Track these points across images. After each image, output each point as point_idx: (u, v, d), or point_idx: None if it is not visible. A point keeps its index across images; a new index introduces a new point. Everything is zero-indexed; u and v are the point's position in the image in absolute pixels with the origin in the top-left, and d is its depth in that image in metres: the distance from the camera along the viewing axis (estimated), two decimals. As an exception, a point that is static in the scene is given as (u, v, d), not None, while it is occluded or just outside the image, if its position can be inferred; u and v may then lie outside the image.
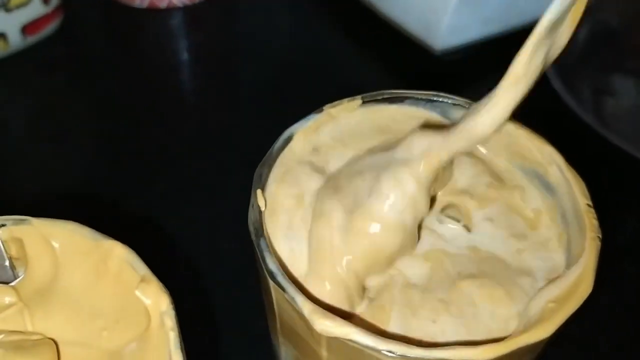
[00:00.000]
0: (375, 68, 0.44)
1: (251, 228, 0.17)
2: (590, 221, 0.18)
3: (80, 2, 0.47)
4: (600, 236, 0.17)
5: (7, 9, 0.40)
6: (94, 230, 0.16)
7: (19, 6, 0.40)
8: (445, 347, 0.15)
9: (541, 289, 0.16)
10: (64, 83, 0.43)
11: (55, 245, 0.16)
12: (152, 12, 0.47)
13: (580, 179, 0.19)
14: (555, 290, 0.16)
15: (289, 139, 0.20)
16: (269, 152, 0.19)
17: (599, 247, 0.17)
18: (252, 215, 0.18)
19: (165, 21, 0.47)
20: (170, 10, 0.47)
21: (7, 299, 0.16)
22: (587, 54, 0.41)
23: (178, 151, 0.37)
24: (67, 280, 0.16)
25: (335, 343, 0.16)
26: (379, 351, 0.15)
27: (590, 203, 0.18)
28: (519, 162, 0.21)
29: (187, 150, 0.37)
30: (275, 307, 0.18)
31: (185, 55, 0.47)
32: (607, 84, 0.41)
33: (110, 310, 0.16)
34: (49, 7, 0.42)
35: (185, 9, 0.47)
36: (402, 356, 0.15)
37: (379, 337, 0.15)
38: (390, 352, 0.15)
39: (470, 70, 0.44)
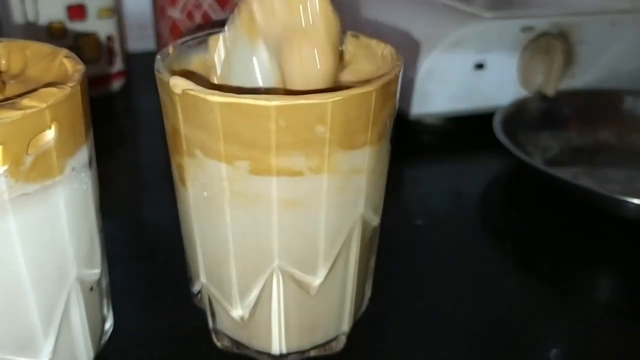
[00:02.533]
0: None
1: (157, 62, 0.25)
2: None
3: (142, 76, 0.61)
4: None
5: (81, 62, 0.53)
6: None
7: (90, 62, 0.54)
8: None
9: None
10: (112, 136, 0.53)
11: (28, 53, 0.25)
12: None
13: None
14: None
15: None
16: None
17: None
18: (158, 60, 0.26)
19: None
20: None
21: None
22: (525, 120, 0.50)
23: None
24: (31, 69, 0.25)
25: (186, 105, 0.22)
26: (206, 100, 0.21)
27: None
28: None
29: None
30: (165, 120, 0.25)
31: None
32: (537, 140, 0.48)
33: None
34: (113, 68, 0.56)
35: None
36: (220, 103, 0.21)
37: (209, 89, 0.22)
38: (214, 100, 0.21)
39: (438, 135, 0.52)
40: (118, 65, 0.56)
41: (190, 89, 0.22)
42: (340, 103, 0.22)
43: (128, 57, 0.61)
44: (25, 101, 0.20)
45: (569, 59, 0.51)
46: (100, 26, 0.54)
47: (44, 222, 0.22)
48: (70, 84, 0.22)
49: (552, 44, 0.50)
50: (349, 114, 0.22)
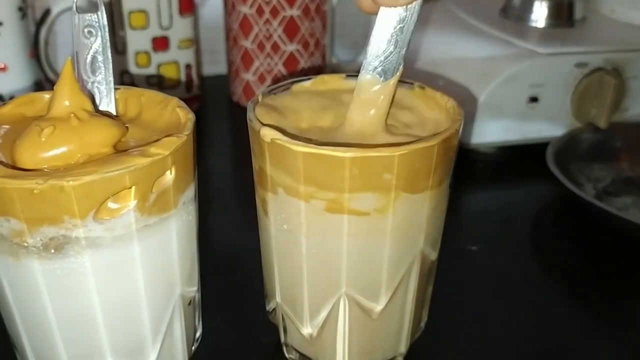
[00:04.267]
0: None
1: (249, 110, 0.29)
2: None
3: (214, 99, 0.66)
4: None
5: (161, 88, 0.59)
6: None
7: (170, 87, 0.59)
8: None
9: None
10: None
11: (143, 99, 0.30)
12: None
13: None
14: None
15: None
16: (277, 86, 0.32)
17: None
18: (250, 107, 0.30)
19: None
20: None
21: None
22: (578, 150, 0.52)
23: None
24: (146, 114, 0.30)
25: (273, 151, 0.26)
26: (291, 149, 0.25)
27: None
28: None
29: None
30: (253, 159, 0.29)
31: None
32: (589, 171, 0.51)
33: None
34: (190, 93, 0.61)
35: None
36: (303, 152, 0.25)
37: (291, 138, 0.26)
38: (298, 150, 0.25)
39: (492, 163, 0.55)
40: (194, 91, 0.62)
41: (278, 139, 0.26)
42: (406, 155, 0.25)
43: (202, 81, 0.67)
44: (152, 149, 0.25)
45: (621, 93, 0.53)
46: (180, 55, 0.59)
47: (159, 248, 0.26)
48: (185, 132, 0.26)
49: (605, 78, 0.52)
50: (413, 164, 0.26)
